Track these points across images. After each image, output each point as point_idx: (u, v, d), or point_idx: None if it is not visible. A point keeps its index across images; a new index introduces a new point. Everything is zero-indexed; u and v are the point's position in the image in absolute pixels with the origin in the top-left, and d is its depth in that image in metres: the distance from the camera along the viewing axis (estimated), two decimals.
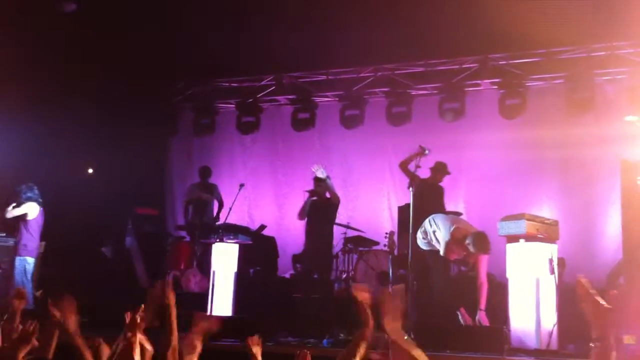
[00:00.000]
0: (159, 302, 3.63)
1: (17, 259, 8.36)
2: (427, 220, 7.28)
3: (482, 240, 6.91)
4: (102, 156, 10.70)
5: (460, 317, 6.86)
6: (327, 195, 8.52)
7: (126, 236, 9.59)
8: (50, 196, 9.15)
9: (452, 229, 7.02)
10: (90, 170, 10.82)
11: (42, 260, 8.84)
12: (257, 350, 3.42)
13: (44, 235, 9.11)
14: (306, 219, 8.64)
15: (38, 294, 8.41)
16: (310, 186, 8.78)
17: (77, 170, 10.70)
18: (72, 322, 3.30)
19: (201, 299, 8.19)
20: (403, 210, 8.79)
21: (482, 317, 6.85)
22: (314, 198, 8.58)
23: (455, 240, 6.98)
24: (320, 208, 8.55)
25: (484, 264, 7.02)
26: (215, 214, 10.20)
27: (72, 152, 10.45)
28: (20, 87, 9.75)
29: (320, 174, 8.41)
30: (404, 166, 7.60)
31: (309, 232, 8.59)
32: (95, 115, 10.24)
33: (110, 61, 9.78)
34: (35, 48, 9.52)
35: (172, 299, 3.60)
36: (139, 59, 9.84)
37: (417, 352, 2.87)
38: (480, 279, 7.01)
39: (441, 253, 7.07)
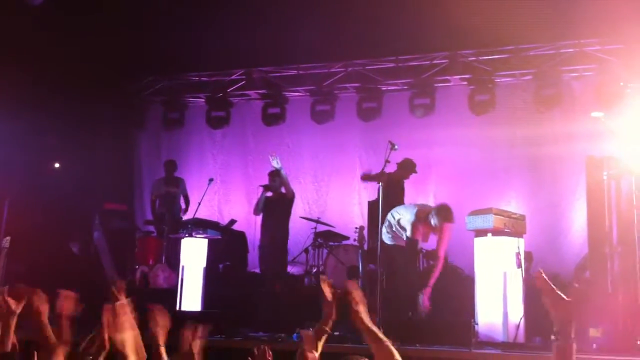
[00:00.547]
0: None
1: None
2: (389, 214, 7.35)
3: (444, 210, 7.06)
4: (69, 150, 10.53)
5: (420, 299, 6.82)
6: (282, 190, 8.55)
7: (94, 231, 9.45)
8: (16, 191, 8.98)
9: (415, 210, 7.21)
10: (57, 165, 10.64)
11: (8, 256, 8.66)
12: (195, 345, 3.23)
13: (9, 230, 8.95)
14: (262, 214, 8.67)
15: (5, 289, 8.23)
16: None
17: (43, 165, 10.52)
18: (43, 312, 3.18)
19: (170, 294, 8.13)
20: (373, 205, 8.81)
21: (425, 296, 6.82)
22: (269, 194, 8.60)
23: (419, 219, 7.10)
24: (276, 203, 8.60)
25: (445, 238, 7.07)
26: (182, 209, 10.13)
27: (39, 147, 10.27)
28: None
29: (276, 164, 8.41)
30: (365, 178, 7.92)
31: (265, 227, 8.67)
32: (62, 110, 10.07)
33: (78, 55, 9.62)
34: (1, 40, 9.32)
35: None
36: (107, 53, 9.70)
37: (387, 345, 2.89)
38: (438, 252, 7.08)
39: (408, 234, 7.13)
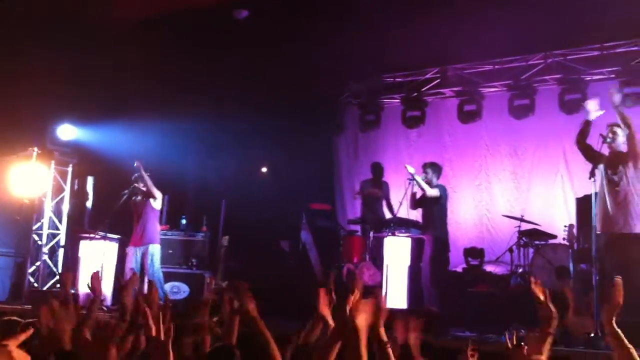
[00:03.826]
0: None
1: (151, 247, 8.56)
2: None
3: None
4: (275, 155, 11.23)
5: None
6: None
7: (301, 230, 10.00)
8: (231, 193, 9.74)
9: None
10: (264, 169, 11.40)
11: (226, 254, 9.45)
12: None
13: (227, 230, 9.76)
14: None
15: (224, 284, 9.00)
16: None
17: (253, 170, 11.32)
18: (252, 307, 3.32)
19: (375, 292, 8.37)
20: (582, 202, 8.44)
21: None
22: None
23: None
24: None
25: None
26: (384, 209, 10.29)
27: (249, 153, 11.06)
28: (204, 93, 10.50)
29: (410, 169, 8.53)
30: (581, 143, 6.74)
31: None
32: (268, 118, 10.75)
33: (280, 64, 10.20)
34: (215, 57, 10.16)
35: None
36: (306, 61, 10.18)
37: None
38: None
39: None
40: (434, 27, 9.21)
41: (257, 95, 10.86)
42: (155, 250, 8.52)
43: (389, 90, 11.56)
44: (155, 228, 8.65)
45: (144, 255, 8.44)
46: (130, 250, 8.53)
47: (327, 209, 10.71)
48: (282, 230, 10.62)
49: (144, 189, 8.54)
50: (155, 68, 9.93)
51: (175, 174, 9.12)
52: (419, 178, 8.55)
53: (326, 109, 11.69)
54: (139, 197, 8.65)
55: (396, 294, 8.25)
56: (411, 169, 8.65)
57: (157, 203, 8.62)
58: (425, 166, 8.88)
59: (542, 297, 3.44)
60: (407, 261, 8.39)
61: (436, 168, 8.89)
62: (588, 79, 9.82)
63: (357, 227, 10.23)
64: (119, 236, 9.17)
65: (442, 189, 8.76)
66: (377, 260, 8.96)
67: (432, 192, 8.55)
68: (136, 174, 8.59)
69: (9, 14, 8.78)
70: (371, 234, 9.32)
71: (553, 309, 3.44)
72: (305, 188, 10.91)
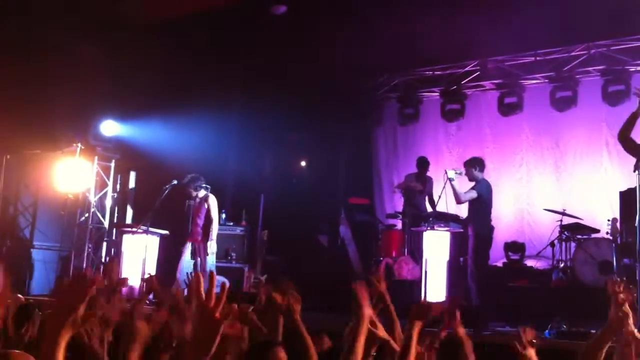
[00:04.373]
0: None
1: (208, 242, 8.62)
2: None
3: None
4: (314, 149, 11.26)
5: None
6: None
7: (340, 225, 10.02)
8: (270, 188, 9.80)
9: None
10: (303, 164, 11.44)
11: (265, 249, 9.53)
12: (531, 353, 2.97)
13: (266, 224, 9.83)
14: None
15: (263, 278, 9.08)
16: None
17: (293, 164, 11.38)
18: (297, 310, 3.34)
19: (415, 286, 8.35)
20: (625, 195, 8.25)
21: None
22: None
23: None
24: None
25: None
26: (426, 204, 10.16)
27: (287, 148, 11.11)
28: (242, 88, 10.59)
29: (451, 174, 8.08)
30: (624, 135, 6.31)
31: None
32: (306, 113, 10.78)
33: (318, 59, 10.21)
34: (253, 53, 10.23)
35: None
36: (344, 55, 10.17)
37: None
38: None
39: None
40: (473, 18, 9.11)
41: (295, 91, 10.90)
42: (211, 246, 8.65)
43: (427, 83, 11.48)
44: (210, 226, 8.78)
45: (198, 250, 8.54)
46: (187, 245, 8.61)
47: (365, 204, 10.71)
48: (321, 224, 10.66)
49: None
50: (194, 64, 10.05)
51: (215, 169, 9.21)
52: (456, 185, 8.25)
53: (364, 103, 11.69)
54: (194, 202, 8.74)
55: (435, 288, 8.20)
56: (451, 174, 8.30)
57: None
58: (466, 164, 8.53)
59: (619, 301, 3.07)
60: (446, 255, 8.32)
61: (476, 163, 8.53)
62: (632, 69, 9.62)
63: (396, 222, 10.19)
64: (161, 230, 9.31)
65: (482, 187, 8.39)
66: (416, 255, 8.92)
67: (466, 198, 8.24)
68: (198, 184, 8.67)
69: (53, 12, 8.98)
70: (410, 228, 9.27)
71: (631, 316, 3.09)
72: (344, 182, 10.93)
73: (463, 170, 8.06)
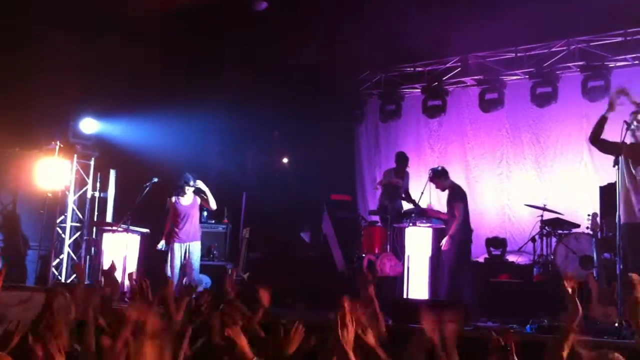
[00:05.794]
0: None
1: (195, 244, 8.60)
2: None
3: None
4: (295, 146, 11.23)
5: None
6: None
7: (322, 222, 9.99)
8: (252, 185, 9.73)
9: None
10: (285, 160, 11.40)
11: (247, 246, 9.47)
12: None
13: (248, 221, 9.77)
14: None
15: (245, 276, 9.03)
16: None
17: (275, 161, 11.33)
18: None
19: (397, 282, 8.35)
20: (605, 190, 8.32)
21: None
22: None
23: None
24: None
25: None
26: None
27: (269, 144, 11.07)
28: (224, 85, 10.53)
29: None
30: (595, 138, 6.30)
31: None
32: (287, 109, 10.74)
33: (300, 56, 10.17)
34: (235, 49, 10.18)
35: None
36: (326, 52, 10.14)
37: None
38: None
39: None
40: (454, 15, 9.13)
41: (277, 86, 10.86)
42: (197, 247, 8.59)
43: (409, 79, 11.49)
44: (198, 226, 8.72)
45: (187, 252, 8.48)
46: (176, 246, 8.51)
47: (347, 200, 10.70)
48: (303, 221, 10.63)
49: (205, 197, 8.59)
50: (175, 60, 9.97)
51: (197, 166, 9.13)
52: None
53: (346, 100, 11.67)
54: (184, 199, 8.61)
55: (418, 284, 8.22)
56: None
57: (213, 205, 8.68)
58: (434, 179, 8.41)
59: (570, 292, 3.34)
60: (428, 252, 8.34)
61: (441, 174, 8.45)
62: (611, 65, 9.68)
63: (378, 218, 10.18)
64: (142, 229, 9.22)
65: (453, 197, 8.38)
66: (398, 251, 8.93)
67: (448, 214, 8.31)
68: (192, 183, 8.55)
69: (28, 10, 8.86)
70: (392, 224, 9.26)
71: (579, 306, 3.33)
72: (326, 179, 10.90)
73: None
